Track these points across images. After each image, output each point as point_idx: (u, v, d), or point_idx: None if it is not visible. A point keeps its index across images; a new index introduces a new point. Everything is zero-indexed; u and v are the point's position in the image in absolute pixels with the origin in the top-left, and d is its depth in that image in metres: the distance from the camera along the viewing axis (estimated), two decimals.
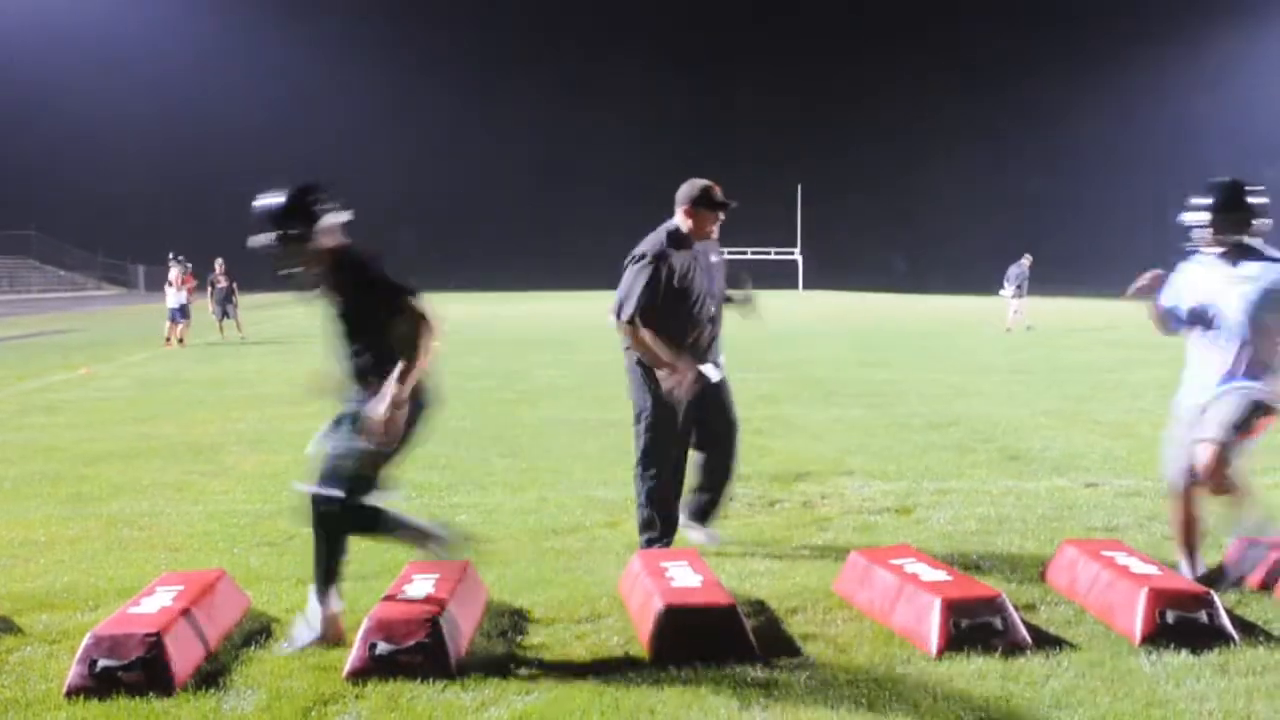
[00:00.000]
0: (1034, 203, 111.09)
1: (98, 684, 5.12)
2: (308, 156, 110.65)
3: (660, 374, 7.41)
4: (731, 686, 5.16)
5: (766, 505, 9.12)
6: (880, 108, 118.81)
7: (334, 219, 5.85)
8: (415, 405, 5.80)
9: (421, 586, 5.89)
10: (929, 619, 5.64)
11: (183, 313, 30.24)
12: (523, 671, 5.41)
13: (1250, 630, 5.83)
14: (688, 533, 7.82)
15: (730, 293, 7.94)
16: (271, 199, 5.80)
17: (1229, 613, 5.86)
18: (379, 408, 5.56)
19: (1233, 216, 6.56)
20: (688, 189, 7.61)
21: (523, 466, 11.00)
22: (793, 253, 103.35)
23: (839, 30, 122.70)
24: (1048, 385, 17.95)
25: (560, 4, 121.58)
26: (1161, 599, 5.74)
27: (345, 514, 5.78)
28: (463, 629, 5.71)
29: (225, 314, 32.11)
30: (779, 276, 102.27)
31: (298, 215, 5.75)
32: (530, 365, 22.46)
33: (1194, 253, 6.81)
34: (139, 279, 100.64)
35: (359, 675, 5.26)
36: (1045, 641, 5.71)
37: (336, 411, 5.84)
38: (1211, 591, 5.89)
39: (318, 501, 5.76)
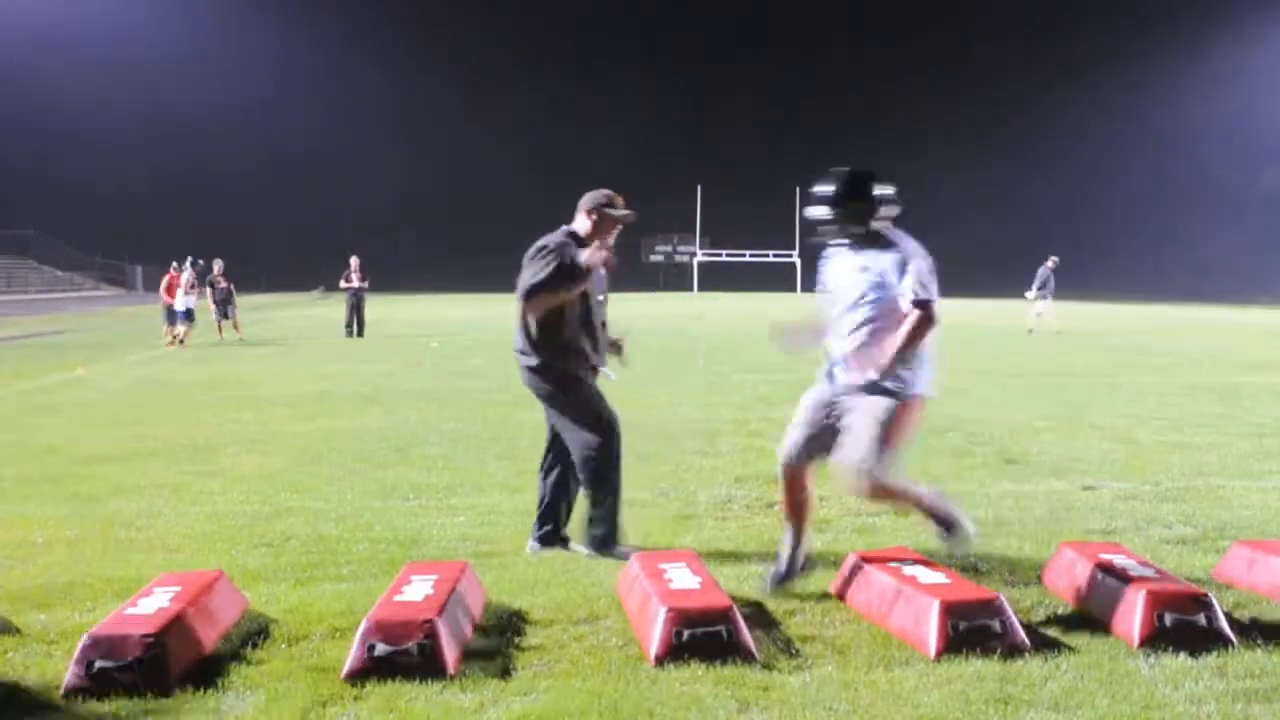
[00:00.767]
0: (1032, 205, 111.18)
1: (95, 684, 5.11)
2: (306, 157, 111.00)
3: (586, 254, 7.51)
4: (730, 688, 5.16)
5: (765, 507, 9.12)
6: (879, 109, 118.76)
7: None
8: None
9: (420, 588, 5.88)
10: (927, 621, 5.64)
11: (189, 315, 30.38)
12: (521, 673, 5.41)
13: (1248, 633, 5.83)
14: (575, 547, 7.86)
15: (613, 337, 8.11)
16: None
17: (1227, 616, 5.86)
18: None
19: (854, 207, 6.57)
20: (593, 195, 7.82)
21: (520, 468, 10.97)
22: (791, 255, 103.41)
23: (840, 29, 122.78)
24: (1045, 388, 17.96)
25: (559, 3, 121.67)
26: (1160, 602, 5.74)
27: None
28: (461, 630, 5.70)
29: (225, 315, 32.15)
30: (777, 279, 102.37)
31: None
32: None
33: (824, 246, 6.84)
34: (137, 279, 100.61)
35: (357, 676, 5.26)
36: (1043, 644, 5.71)
37: None
38: (1210, 595, 5.88)
39: None
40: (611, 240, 7.79)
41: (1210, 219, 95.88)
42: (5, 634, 5.97)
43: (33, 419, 14.79)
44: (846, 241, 6.70)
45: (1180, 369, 21.49)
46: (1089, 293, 73.19)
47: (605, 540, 7.66)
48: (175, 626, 5.40)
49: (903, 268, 6.47)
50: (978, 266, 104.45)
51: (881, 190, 6.62)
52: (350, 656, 5.35)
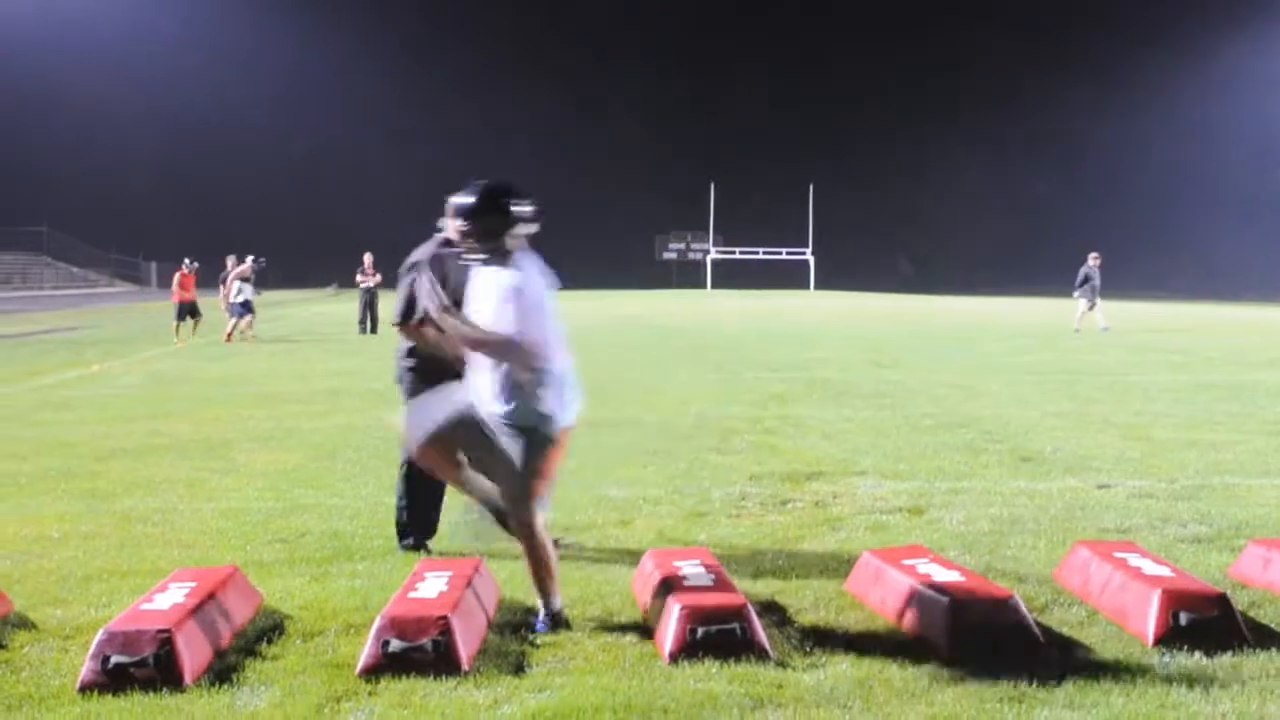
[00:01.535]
0: (1042, 206, 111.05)
1: (110, 680, 5.12)
2: (320, 154, 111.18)
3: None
4: (743, 686, 5.16)
5: (778, 505, 9.11)
6: (894, 108, 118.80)
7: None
8: None
9: (434, 584, 5.89)
10: (942, 619, 5.63)
11: (248, 307, 30.67)
12: (535, 670, 5.42)
13: (1264, 632, 5.81)
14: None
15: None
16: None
17: (1243, 615, 5.85)
18: None
19: (488, 222, 6.25)
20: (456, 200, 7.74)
21: None
22: (804, 253, 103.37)
23: (855, 27, 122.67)
24: (1058, 387, 17.92)
25: (570, 3, 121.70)
26: (1175, 601, 5.72)
27: None
28: (476, 627, 5.71)
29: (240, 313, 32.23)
30: (790, 277, 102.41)
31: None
32: None
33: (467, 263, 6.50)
34: (151, 276, 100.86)
35: (372, 673, 5.27)
36: (1058, 642, 5.70)
37: None
38: (1225, 593, 5.87)
39: None
40: (452, 233, 7.78)
41: (1225, 217, 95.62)
42: (21, 629, 5.99)
43: (48, 415, 14.82)
44: (483, 257, 6.37)
45: (1195, 367, 21.44)
46: (1103, 291, 73.05)
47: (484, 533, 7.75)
48: (190, 622, 5.42)
49: (515, 295, 6.16)
50: (992, 265, 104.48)
51: (518, 207, 6.33)
52: (365, 652, 5.36)
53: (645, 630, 5.91)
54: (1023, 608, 5.74)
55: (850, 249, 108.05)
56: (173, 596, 5.72)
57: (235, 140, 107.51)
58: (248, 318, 30.55)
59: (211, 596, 5.78)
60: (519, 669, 5.42)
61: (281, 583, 6.86)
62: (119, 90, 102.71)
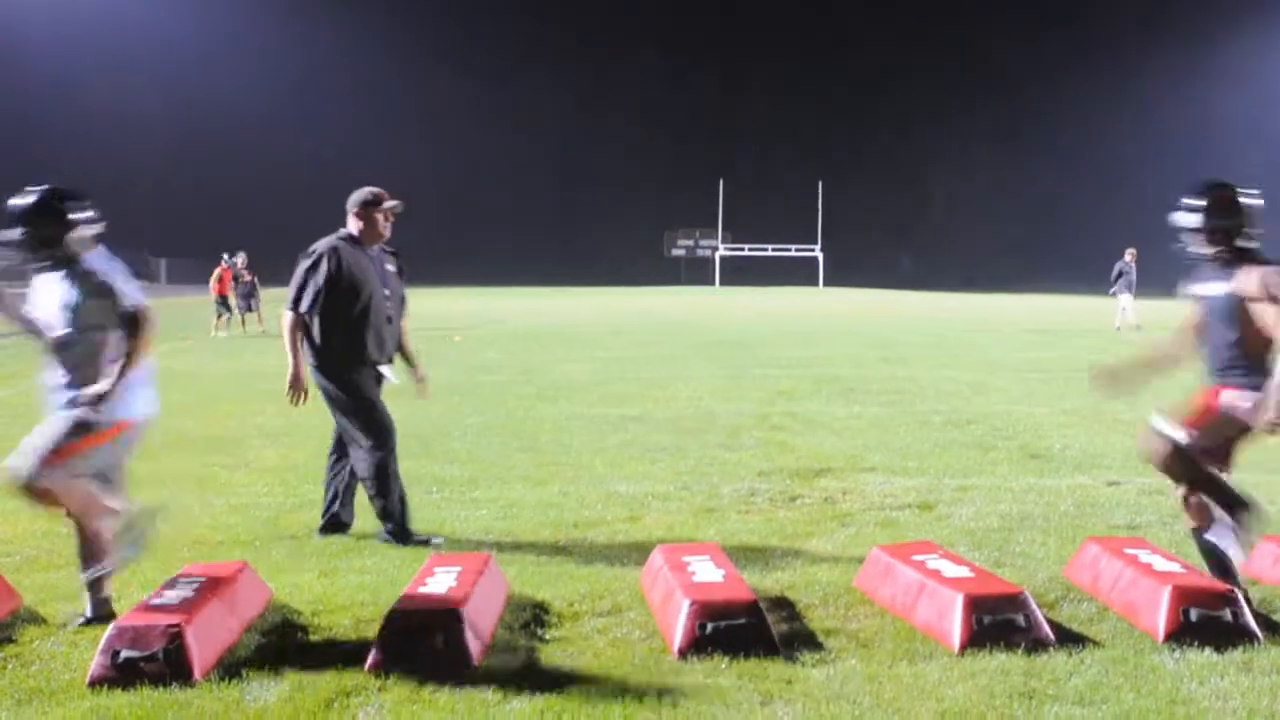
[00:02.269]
0: (1053, 202, 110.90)
1: (120, 674, 5.14)
2: (326, 151, 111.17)
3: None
4: (753, 681, 5.16)
5: (788, 501, 9.11)
6: (903, 105, 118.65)
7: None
8: None
9: (443, 580, 5.90)
10: (952, 615, 5.62)
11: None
12: (544, 665, 5.42)
13: (1275, 629, 5.80)
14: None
15: (419, 371, 8.38)
16: None
17: (1254, 611, 5.84)
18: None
19: (44, 226, 6.09)
20: (357, 195, 8.01)
21: (542, 461, 11.00)
22: (813, 250, 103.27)
23: (865, 23, 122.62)
24: (1067, 384, 17.88)
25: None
26: (1185, 597, 5.72)
27: None
28: (485, 623, 5.71)
29: (249, 307, 32.28)
30: (799, 273, 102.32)
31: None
32: (548, 360, 22.46)
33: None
34: (160, 272, 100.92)
35: (381, 667, 5.27)
36: (1068, 639, 5.70)
37: None
38: (1236, 590, 5.86)
39: None
40: (386, 231, 8.01)
41: None
42: (31, 624, 6.01)
43: None
44: (49, 263, 6.23)
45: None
46: (1109, 290, 72.87)
47: (399, 535, 7.86)
48: (199, 617, 5.42)
49: (96, 292, 6.12)
50: (999, 262, 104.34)
51: (76, 212, 6.20)
52: (373, 649, 5.36)
53: (654, 625, 5.91)
54: (1033, 604, 5.73)
55: (859, 246, 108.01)
56: (182, 592, 5.73)
57: (245, 136, 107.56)
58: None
59: (221, 592, 5.79)
60: (528, 664, 5.42)
61: (290, 578, 6.86)
62: (128, 86, 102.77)
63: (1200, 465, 6.42)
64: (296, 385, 7.80)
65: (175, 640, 5.19)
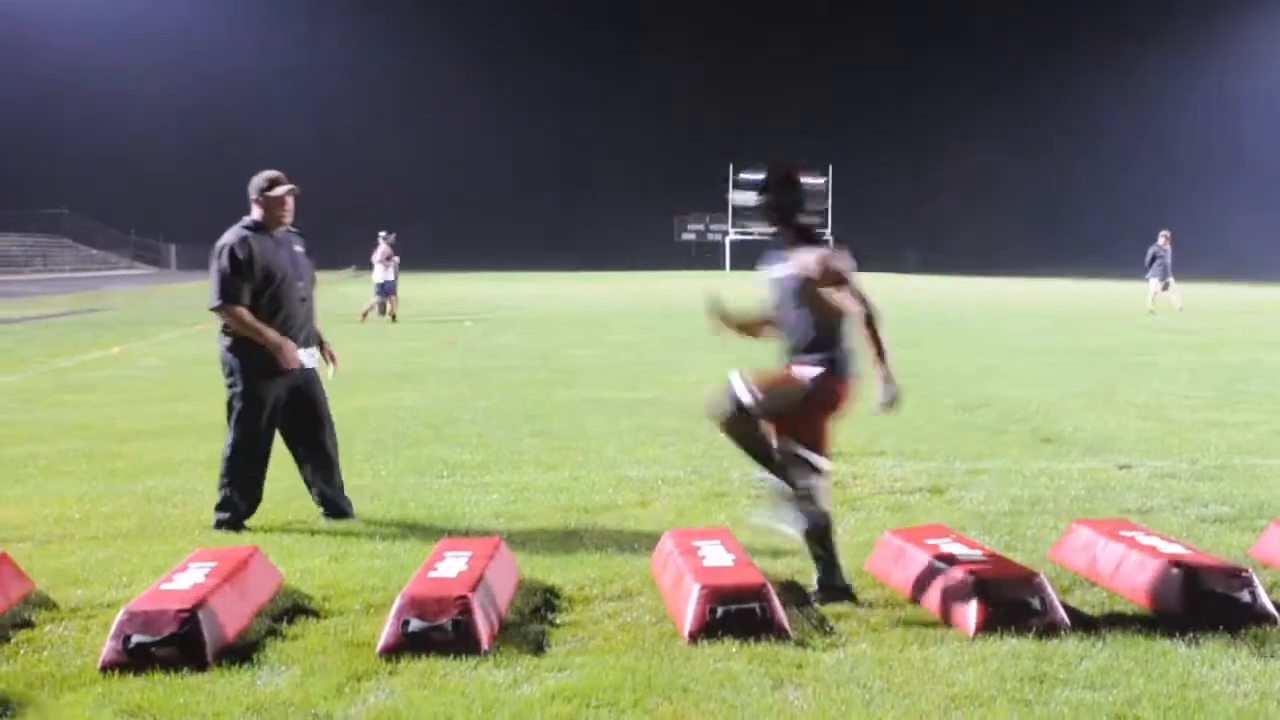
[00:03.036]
0: (1065, 186, 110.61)
1: (131, 659, 5.14)
2: (338, 138, 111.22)
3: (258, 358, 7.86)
4: (764, 665, 5.15)
5: None
6: (912, 90, 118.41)
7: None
8: None
9: (454, 564, 5.90)
10: (966, 599, 5.61)
11: (391, 288, 30.78)
12: (555, 649, 5.41)
13: None
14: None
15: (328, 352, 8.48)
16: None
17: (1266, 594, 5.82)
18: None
19: None
20: (254, 182, 8.05)
21: (554, 445, 11.00)
22: (824, 234, 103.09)
23: (875, 8, 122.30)
24: (1078, 367, 17.86)
25: None
26: (1197, 576, 5.70)
27: None
28: (496, 607, 5.71)
29: None
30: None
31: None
32: (560, 345, 22.47)
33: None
34: (170, 258, 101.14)
35: (392, 652, 5.27)
36: (1079, 622, 5.68)
37: None
38: (1249, 570, 5.84)
39: None
40: (288, 215, 8.05)
41: (1244, 197, 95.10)
42: (42, 608, 6.02)
43: (69, 397, 14.87)
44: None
45: (1214, 348, 21.33)
46: (1123, 271, 72.67)
47: (229, 524, 7.91)
48: (211, 601, 5.42)
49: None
50: (1010, 246, 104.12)
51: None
52: (385, 632, 5.37)
53: (664, 610, 5.91)
54: (1048, 587, 5.72)
55: (869, 230, 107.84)
56: (193, 576, 5.73)
57: (256, 121, 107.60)
58: (391, 298, 30.86)
59: (232, 576, 5.79)
60: (539, 648, 5.42)
61: (301, 562, 6.87)
62: (138, 71, 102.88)
63: (756, 432, 6.39)
64: (282, 350, 7.82)
65: (186, 625, 5.20)
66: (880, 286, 59.67)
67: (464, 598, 5.39)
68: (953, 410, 13.14)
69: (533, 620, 5.83)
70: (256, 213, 7.99)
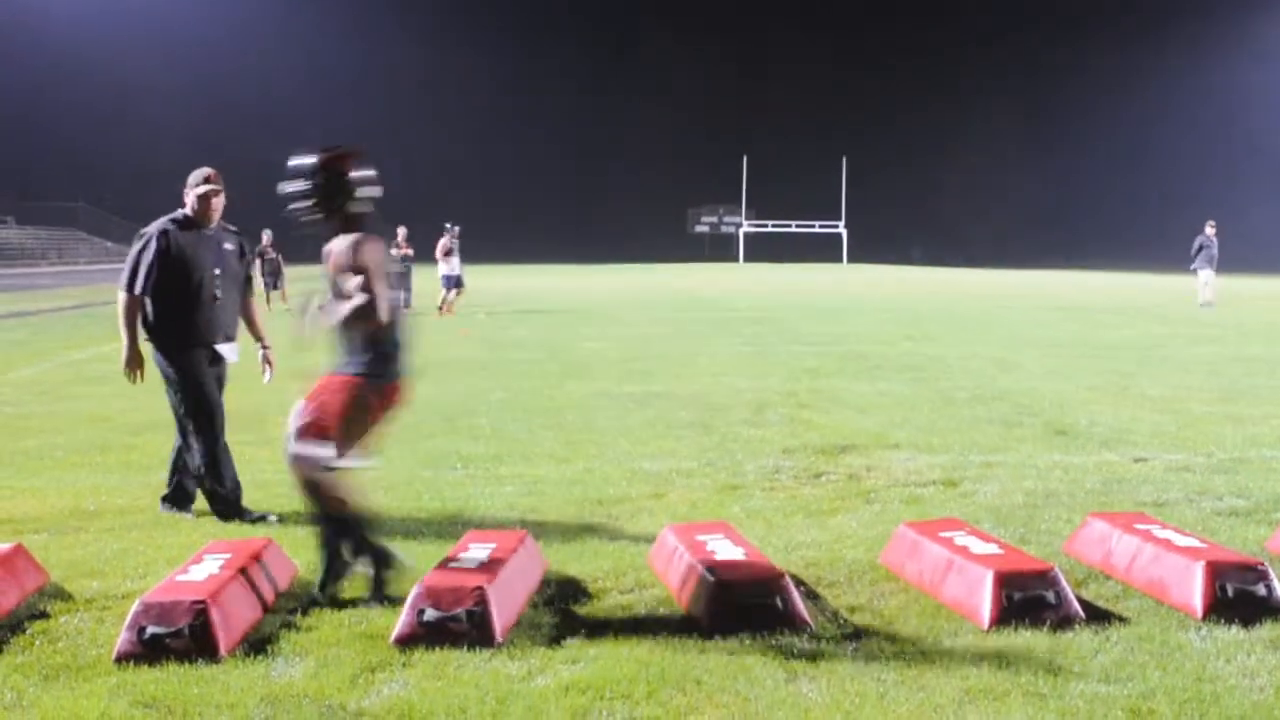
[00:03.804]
0: (1076, 178, 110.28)
1: (146, 650, 5.15)
2: (351, 130, 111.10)
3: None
4: (778, 657, 5.15)
5: (812, 477, 9.09)
6: (927, 79, 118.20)
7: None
8: None
9: (476, 555, 5.90)
10: (981, 591, 5.60)
11: (458, 282, 30.54)
12: (569, 641, 5.41)
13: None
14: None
15: (265, 350, 8.81)
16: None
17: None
18: None
19: None
20: (191, 175, 8.14)
21: (568, 438, 11.00)
22: (837, 226, 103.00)
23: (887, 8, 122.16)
24: (1092, 360, 17.82)
25: None
26: (1220, 572, 5.68)
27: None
28: (514, 599, 5.70)
29: (274, 285, 32.29)
30: (823, 249, 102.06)
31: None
32: (574, 338, 22.46)
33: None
34: None
35: (406, 642, 5.28)
36: (1094, 615, 5.67)
37: None
38: (1265, 563, 5.82)
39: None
40: (213, 216, 8.11)
41: (1258, 187, 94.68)
42: (58, 599, 6.03)
43: (84, 389, 14.90)
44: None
45: (1230, 340, 21.27)
46: (1135, 264, 72.56)
47: (227, 513, 8.03)
48: (225, 593, 5.43)
49: None
50: (1023, 236, 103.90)
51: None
52: (400, 622, 5.37)
53: (676, 604, 5.90)
54: (1063, 580, 5.71)
55: (884, 222, 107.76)
56: (208, 568, 5.74)
57: (271, 114, 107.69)
58: (456, 292, 30.58)
59: (246, 568, 5.80)
60: (553, 640, 5.42)
61: (314, 554, 6.86)
62: (153, 64, 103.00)
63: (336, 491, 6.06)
64: (132, 364, 7.99)
65: (201, 617, 5.21)
66: (889, 278, 59.57)
67: (480, 588, 5.39)
68: (966, 403, 13.12)
69: (547, 612, 5.83)
70: (188, 207, 8.09)
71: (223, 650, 5.17)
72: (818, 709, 4.66)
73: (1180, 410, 12.53)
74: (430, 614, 5.32)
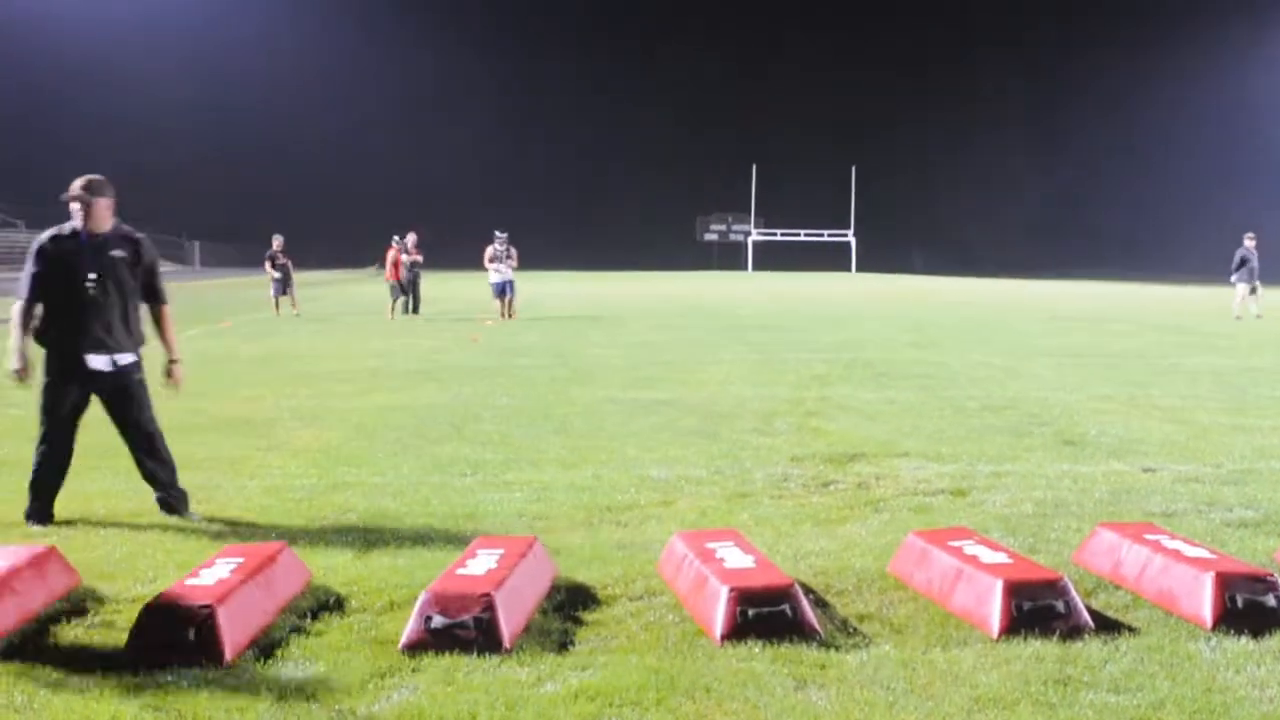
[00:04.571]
0: (1090, 186, 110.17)
1: (156, 654, 5.15)
2: (359, 134, 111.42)
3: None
4: (787, 666, 5.15)
5: (821, 486, 9.09)
6: (936, 87, 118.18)
7: None
8: None
9: (484, 562, 5.90)
10: (991, 601, 5.60)
11: (511, 287, 30.84)
12: (578, 648, 5.42)
13: None
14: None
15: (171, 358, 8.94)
16: None
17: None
18: None
19: None
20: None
21: (576, 445, 11.00)
22: (846, 235, 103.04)
23: (898, 5, 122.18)
24: (1102, 370, 17.80)
25: None
26: (1229, 582, 5.67)
27: None
28: (522, 605, 5.70)
29: (284, 290, 32.33)
30: (832, 258, 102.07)
31: None
32: (581, 344, 22.47)
33: None
34: (194, 255, 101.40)
35: (414, 648, 5.28)
36: (1103, 625, 5.66)
37: None
38: (1275, 574, 5.82)
39: None
40: (75, 221, 8.09)
41: (1271, 196, 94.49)
42: (80, 599, 6.05)
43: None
44: None
45: (1239, 350, 21.23)
46: (1148, 275, 72.50)
47: (165, 505, 8.23)
48: (233, 598, 5.44)
49: None
50: (1031, 246, 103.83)
51: None
52: (408, 628, 5.38)
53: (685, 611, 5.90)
54: (1072, 590, 5.70)
55: (892, 231, 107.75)
56: (218, 572, 5.75)
57: (277, 117, 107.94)
58: (509, 296, 30.81)
59: (257, 573, 5.81)
60: (562, 647, 5.42)
61: (325, 559, 6.88)
62: (157, 65, 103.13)
63: None
64: (15, 365, 8.05)
65: (208, 621, 5.21)
66: (898, 286, 59.53)
67: (487, 595, 5.39)
68: (976, 412, 13.11)
69: (556, 619, 5.83)
70: (76, 216, 8.13)
71: (228, 655, 5.18)
72: (827, 717, 4.66)
73: (1189, 420, 12.51)
74: (438, 620, 5.33)
